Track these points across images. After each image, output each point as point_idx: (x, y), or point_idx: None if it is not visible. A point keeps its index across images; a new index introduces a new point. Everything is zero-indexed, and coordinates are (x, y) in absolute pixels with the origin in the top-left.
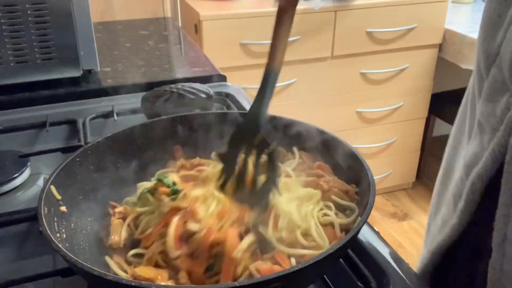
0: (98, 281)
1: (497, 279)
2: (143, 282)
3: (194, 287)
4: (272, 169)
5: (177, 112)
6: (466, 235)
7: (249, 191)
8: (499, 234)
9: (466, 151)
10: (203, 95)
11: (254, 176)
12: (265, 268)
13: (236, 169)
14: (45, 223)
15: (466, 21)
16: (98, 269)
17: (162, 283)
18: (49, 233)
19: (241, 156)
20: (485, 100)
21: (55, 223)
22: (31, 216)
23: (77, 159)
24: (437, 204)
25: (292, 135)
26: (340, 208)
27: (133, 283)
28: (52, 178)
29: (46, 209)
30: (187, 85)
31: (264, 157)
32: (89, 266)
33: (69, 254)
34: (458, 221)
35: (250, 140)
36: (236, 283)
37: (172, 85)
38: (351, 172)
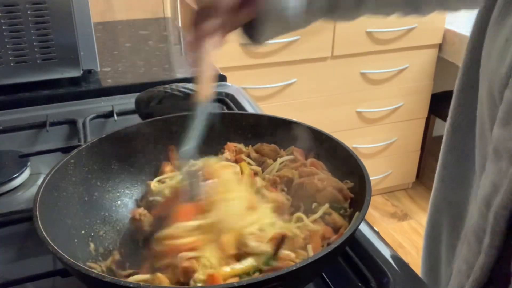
0: (95, 283)
1: None
2: (141, 283)
3: None
4: None
5: (172, 112)
6: (494, 273)
7: None
8: None
9: (482, 183)
10: None
11: None
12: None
13: None
14: (40, 226)
15: (466, 21)
16: (95, 271)
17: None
18: (45, 235)
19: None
20: (500, 125)
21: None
22: (31, 216)
23: (72, 161)
24: (432, 243)
25: (286, 134)
26: (335, 208)
27: (131, 285)
28: (47, 180)
29: (41, 211)
30: (181, 85)
31: None
32: (86, 268)
33: (66, 256)
34: (486, 258)
35: None
36: (235, 283)
37: (166, 86)
38: (346, 170)
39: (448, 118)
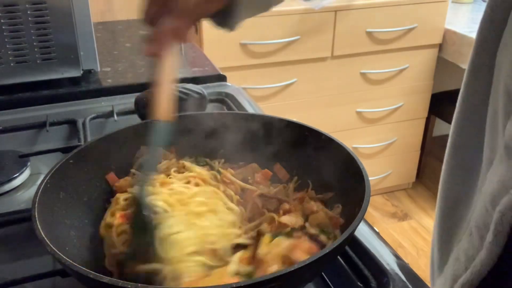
0: (93, 283)
1: None
2: (139, 284)
3: None
4: None
5: None
6: (495, 269)
7: None
8: None
9: (489, 179)
10: (197, 96)
11: None
12: None
13: None
14: (39, 226)
15: (466, 21)
16: (93, 272)
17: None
18: (44, 236)
19: None
20: None
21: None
22: (31, 216)
23: (71, 161)
24: (445, 236)
25: (284, 134)
26: (325, 232)
27: (129, 285)
28: (46, 180)
29: (40, 211)
30: (180, 85)
31: None
32: (84, 269)
33: (64, 257)
34: (488, 254)
35: None
36: (234, 284)
37: None
38: (346, 170)
39: (457, 107)
